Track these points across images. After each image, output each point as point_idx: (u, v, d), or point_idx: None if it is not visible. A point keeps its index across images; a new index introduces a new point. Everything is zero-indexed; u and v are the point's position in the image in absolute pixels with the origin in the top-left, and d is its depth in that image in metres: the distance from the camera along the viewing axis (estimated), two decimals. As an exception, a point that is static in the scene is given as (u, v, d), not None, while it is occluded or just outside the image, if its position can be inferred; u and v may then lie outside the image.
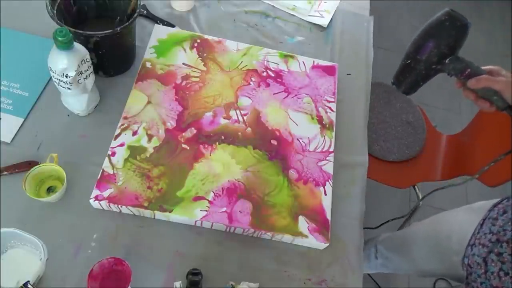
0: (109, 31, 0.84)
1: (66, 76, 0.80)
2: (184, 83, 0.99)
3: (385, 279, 1.56)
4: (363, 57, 1.19)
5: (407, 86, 0.80)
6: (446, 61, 0.73)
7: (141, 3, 0.96)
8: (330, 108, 1.02)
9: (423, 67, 0.75)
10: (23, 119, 0.90)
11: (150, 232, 0.83)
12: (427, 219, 1.14)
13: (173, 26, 1.11)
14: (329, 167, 0.94)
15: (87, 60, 0.82)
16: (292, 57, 1.09)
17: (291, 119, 0.98)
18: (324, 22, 1.21)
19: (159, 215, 0.83)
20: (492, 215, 0.82)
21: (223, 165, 0.89)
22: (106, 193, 0.81)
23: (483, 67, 0.74)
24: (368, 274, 1.49)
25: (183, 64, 1.01)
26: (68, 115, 0.92)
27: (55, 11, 0.86)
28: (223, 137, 0.93)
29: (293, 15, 1.22)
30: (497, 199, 0.88)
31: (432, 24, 0.72)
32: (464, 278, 0.84)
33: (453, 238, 0.92)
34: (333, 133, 0.99)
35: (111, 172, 0.84)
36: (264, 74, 1.04)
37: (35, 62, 0.96)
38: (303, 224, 0.86)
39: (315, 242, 0.84)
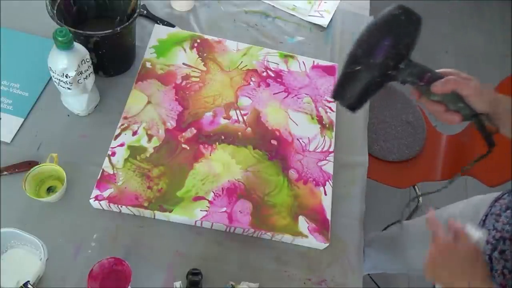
0: (109, 31, 0.84)
1: (66, 76, 0.80)
2: (184, 83, 0.99)
3: (385, 279, 1.56)
4: (363, 57, 1.19)
5: (353, 99, 0.65)
6: (401, 65, 0.61)
7: (141, 3, 0.96)
8: (330, 108, 1.02)
9: (378, 73, 0.61)
10: (23, 119, 0.90)
11: (150, 232, 0.83)
12: (420, 217, 1.13)
13: (173, 26, 1.11)
14: (329, 167, 0.94)
15: (87, 60, 0.82)
16: (292, 57, 1.09)
17: (291, 119, 0.98)
18: (324, 22, 1.21)
19: (159, 215, 0.83)
20: (495, 211, 0.81)
21: (223, 165, 0.89)
22: (106, 193, 0.81)
23: (440, 70, 0.64)
24: (368, 274, 1.49)
25: (183, 64, 1.01)
26: (68, 115, 0.92)
27: (55, 11, 0.86)
28: (223, 137, 0.93)
29: (293, 15, 1.22)
30: (496, 193, 0.87)
31: (386, 19, 0.61)
32: None
33: None
34: (333, 133, 0.99)
35: (111, 172, 0.84)
36: (264, 74, 1.04)
37: (35, 62, 0.96)
38: (303, 224, 0.86)
39: (315, 242, 0.84)
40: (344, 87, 0.65)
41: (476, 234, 0.68)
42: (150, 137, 0.90)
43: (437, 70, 0.63)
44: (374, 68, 0.61)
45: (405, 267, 1.15)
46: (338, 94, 0.66)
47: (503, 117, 0.63)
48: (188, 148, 0.90)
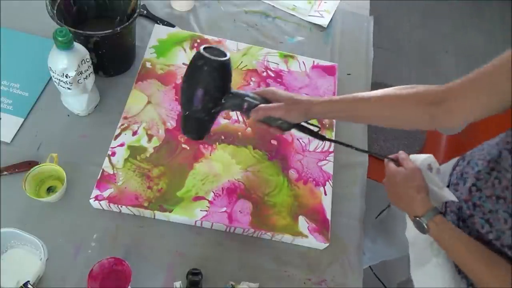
0: (109, 31, 0.84)
1: (66, 76, 0.80)
2: (184, 83, 0.98)
3: (385, 273, 1.56)
4: (363, 57, 1.19)
5: (197, 134, 0.77)
6: (223, 100, 0.70)
7: (141, 3, 0.96)
8: (330, 108, 1.02)
9: (203, 114, 0.71)
10: (23, 119, 0.90)
11: (150, 232, 0.83)
12: None
13: (173, 26, 1.11)
14: (329, 167, 0.94)
15: (87, 60, 0.82)
16: (292, 57, 1.09)
17: (291, 119, 0.98)
18: (324, 22, 1.21)
19: (159, 215, 0.83)
20: (453, 181, 0.81)
21: (223, 165, 0.89)
22: (106, 193, 0.81)
23: (255, 91, 0.74)
24: (369, 267, 1.49)
25: (183, 64, 1.01)
26: (68, 115, 0.92)
27: (55, 11, 0.86)
28: (223, 137, 0.93)
29: (293, 15, 1.22)
30: (453, 160, 0.87)
31: (192, 72, 0.68)
32: None
33: None
34: (333, 133, 0.99)
35: (111, 172, 0.84)
36: (264, 74, 1.04)
37: (35, 62, 0.96)
38: (303, 224, 0.86)
39: (315, 242, 0.84)
40: (186, 125, 0.75)
41: (420, 158, 0.78)
42: (150, 137, 0.90)
43: (256, 90, 0.74)
44: (198, 112, 0.70)
45: (400, 250, 1.15)
46: (184, 131, 0.76)
47: (320, 117, 0.77)
48: (188, 148, 0.90)
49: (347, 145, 0.79)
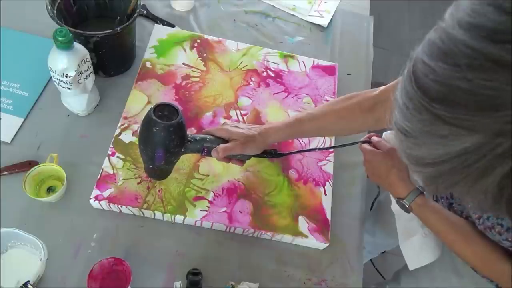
0: (109, 31, 0.84)
1: (66, 76, 0.80)
2: (184, 83, 0.99)
3: (385, 267, 1.56)
4: (363, 57, 1.19)
5: (162, 177, 0.81)
6: (182, 149, 0.73)
7: (141, 3, 0.96)
8: (330, 108, 1.02)
9: (166, 166, 0.76)
10: (23, 119, 0.90)
11: (150, 232, 0.83)
12: None
13: (173, 26, 1.11)
14: (329, 167, 0.93)
15: (87, 60, 0.82)
16: (292, 57, 1.09)
17: (291, 119, 0.98)
18: (324, 22, 1.21)
19: (159, 215, 0.82)
20: None
21: (223, 165, 0.89)
22: (106, 193, 0.81)
23: (209, 131, 0.79)
24: (370, 260, 1.49)
25: (183, 64, 1.01)
26: (68, 115, 0.92)
27: (55, 11, 0.86)
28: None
29: (293, 15, 1.22)
30: None
31: (148, 136, 0.69)
32: None
33: None
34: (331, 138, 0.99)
35: (111, 172, 0.84)
36: (264, 74, 1.04)
37: (35, 62, 0.96)
38: (303, 224, 0.86)
39: (315, 242, 0.84)
40: (150, 173, 0.79)
41: (392, 137, 0.82)
42: (150, 137, 0.90)
43: (210, 130, 0.79)
44: (162, 165, 0.74)
45: (396, 236, 1.15)
46: (149, 176, 0.81)
47: (276, 143, 0.85)
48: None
49: (310, 150, 0.89)
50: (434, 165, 0.37)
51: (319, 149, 0.88)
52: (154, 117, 0.67)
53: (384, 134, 0.87)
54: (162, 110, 0.70)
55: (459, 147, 0.34)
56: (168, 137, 0.69)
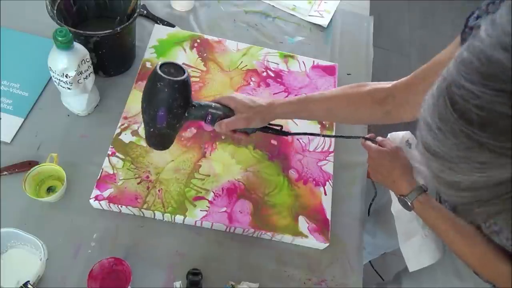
0: (109, 31, 0.84)
1: (66, 76, 0.80)
2: (184, 83, 0.98)
3: (384, 268, 1.55)
4: (363, 57, 1.19)
5: (163, 146, 0.77)
6: (186, 114, 0.71)
7: (141, 3, 0.96)
8: (330, 108, 1.02)
9: (167, 130, 0.72)
10: (23, 119, 0.90)
11: (150, 232, 0.83)
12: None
13: (173, 26, 1.11)
14: (329, 167, 0.94)
15: (87, 60, 0.82)
16: (292, 57, 1.09)
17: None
18: (324, 22, 1.21)
19: (159, 215, 0.83)
20: None
21: (223, 165, 0.89)
22: (106, 193, 0.81)
23: (216, 99, 0.77)
24: (369, 262, 1.49)
25: (183, 64, 1.01)
26: (68, 115, 0.92)
27: (55, 11, 0.86)
28: (223, 137, 0.93)
29: (293, 15, 1.22)
30: None
31: (152, 93, 0.67)
32: None
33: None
34: (333, 133, 0.99)
35: (111, 172, 0.84)
36: (264, 74, 1.04)
37: (35, 62, 0.96)
38: (303, 224, 0.86)
39: (315, 242, 0.84)
40: (150, 140, 0.75)
41: (398, 136, 0.83)
42: (150, 137, 0.90)
43: (216, 98, 0.77)
44: (163, 129, 0.70)
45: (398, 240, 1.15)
46: (149, 144, 0.76)
47: (281, 118, 0.81)
48: (188, 148, 0.90)
49: (314, 134, 0.87)
50: (470, 190, 0.35)
51: (324, 135, 0.88)
52: (159, 72, 0.65)
53: (389, 135, 0.87)
54: (168, 68, 0.68)
55: (502, 176, 0.32)
56: (172, 95, 0.66)
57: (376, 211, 1.23)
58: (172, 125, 0.71)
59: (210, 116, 0.74)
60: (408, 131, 0.83)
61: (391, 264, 1.61)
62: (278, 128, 0.82)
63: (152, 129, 0.71)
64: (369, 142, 0.82)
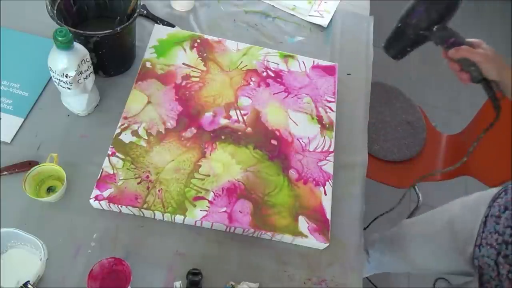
0: (109, 31, 0.84)
1: (66, 76, 0.80)
2: (184, 83, 0.99)
3: (385, 279, 1.56)
4: (363, 57, 1.19)
5: (396, 51, 0.81)
6: (434, 29, 0.74)
7: (141, 3, 0.96)
8: (330, 108, 1.02)
9: (412, 31, 0.75)
10: (23, 119, 0.90)
11: (150, 232, 0.83)
12: (421, 216, 1.13)
13: (173, 26, 1.11)
14: (329, 167, 0.94)
15: (87, 60, 0.82)
16: (292, 57, 1.09)
17: (291, 119, 0.98)
18: (324, 22, 1.21)
19: (159, 215, 0.83)
20: (494, 212, 0.81)
21: (223, 165, 0.89)
22: (106, 193, 0.81)
23: (468, 39, 0.76)
24: (367, 277, 1.49)
25: (183, 64, 1.01)
26: (68, 115, 0.92)
27: (55, 11, 0.86)
28: (223, 137, 0.93)
29: (293, 15, 1.22)
30: (492, 190, 0.87)
31: None
32: (472, 274, 0.83)
33: (458, 236, 0.91)
34: (333, 133, 0.99)
35: (111, 172, 0.84)
36: (264, 74, 1.04)
37: (35, 62, 0.96)
38: (303, 224, 0.86)
39: (315, 242, 0.84)
40: (390, 40, 0.80)
41: None
42: (150, 137, 0.90)
43: (467, 39, 0.76)
44: (409, 27, 0.75)
45: (408, 266, 1.15)
46: (386, 46, 0.81)
47: (508, 89, 0.73)
48: (188, 148, 0.90)
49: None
50: None
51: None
52: None
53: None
54: None
55: None
56: (438, 4, 0.72)
57: (390, 237, 1.22)
58: (419, 27, 0.74)
59: (453, 39, 0.74)
60: None
61: (389, 280, 1.61)
62: (499, 96, 0.75)
63: (400, 24, 0.76)
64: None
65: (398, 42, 0.79)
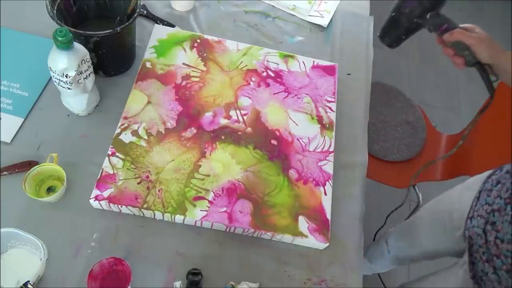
0: (109, 31, 0.84)
1: (66, 76, 0.80)
2: (184, 83, 0.99)
3: (387, 276, 1.56)
4: (363, 57, 1.19)
5: (391, 39, 0.82)
6: (427, 16, 0.75)
7: (141, 3, 0.96)
8: (330, 108, 1.02)
9: (406, 19, 0.77)
10: (23, 119, 0.90)
11: (150, 232, 0.83)
12: (430, 202, 1.14)
13: (173, 26, 1.11)
14: (329, 167, 0.94)
15: (87, 60, 0.82)
16: (292, 57, 1.09)
17: (291, 119, 0.98)
18: (324, 22, 1.21)
19: (159, 215, 0.83)
20: (487, 187, 0.83)
21: (223, 165, 0.89)
22: (106, 193, 0.81)
23: (461, 25, 0.77)
24: (378, 275, 1.49)
25: (183, 64, 1.01)
26: (68, 115, 0.92)
27: (55, 11, 0.86)
28: (223, 137, 0.93)
29: (293, 15, 1.22)
30: (489, 171, 0.88)
31: None
32: (466, 251, 0.85)
33: (453, 215, 0.93)
34: (333, 133, 0.99)
35: (111, 172, 0.84)
36: (264, 74, 1.04)
37: (35, 62, 0.96)
38: (303, 224, 0.86)
39: (315, 242, 0.84)
40: (385, 29, 0.81)
41: None
42: (150, 137, 0.90)
43: (460, 25, 0.77)
44: (403, 15, 0.76)
45: (420, 251, 1.16)
46: (381, 35, 0.83)
47: (501, 73, 0.74)
48: (188, 148, 0.90)
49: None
50: None
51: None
52: None
53: None
54: None
55: None
56: None
57: (403, 225, 1.23)
58: (412, 15, 0.76)
59: (446, 25, 0.76)
60: None
61: (395, 275, 1.61)
62: (493, 79, 0.77)
63: (394, 14, 0.77)
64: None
65: (393, 31, 0.80)
